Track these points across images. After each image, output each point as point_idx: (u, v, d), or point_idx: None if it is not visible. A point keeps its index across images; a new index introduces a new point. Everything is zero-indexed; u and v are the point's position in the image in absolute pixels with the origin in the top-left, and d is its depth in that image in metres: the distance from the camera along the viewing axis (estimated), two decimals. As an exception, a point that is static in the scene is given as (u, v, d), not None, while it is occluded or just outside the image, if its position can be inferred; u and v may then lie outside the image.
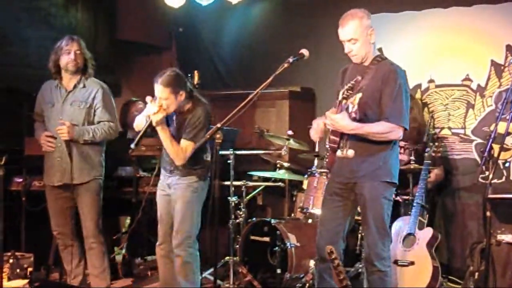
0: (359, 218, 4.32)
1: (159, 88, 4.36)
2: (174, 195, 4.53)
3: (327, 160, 4.20)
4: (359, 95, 3.83)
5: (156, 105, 4.31)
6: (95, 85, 4.99)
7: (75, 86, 4.93)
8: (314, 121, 4.17)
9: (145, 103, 4.41)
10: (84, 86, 4.94)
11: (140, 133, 4.37)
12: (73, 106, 4.91)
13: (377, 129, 3.90)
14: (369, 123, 3.91)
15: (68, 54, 4.88)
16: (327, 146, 4.10)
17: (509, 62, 5.31)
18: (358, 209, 4.17)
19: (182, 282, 4.49)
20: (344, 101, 3.82)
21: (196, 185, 4.53)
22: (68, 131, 4.77)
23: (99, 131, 4.90)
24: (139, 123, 4.52)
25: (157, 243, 4.69)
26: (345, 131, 3.89)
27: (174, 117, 4.55)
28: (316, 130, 4.10)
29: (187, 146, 4.44)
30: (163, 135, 4.39)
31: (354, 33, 3.96)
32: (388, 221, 4.04)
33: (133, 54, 7.63)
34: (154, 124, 4.33)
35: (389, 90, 3.92)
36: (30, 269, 5.24)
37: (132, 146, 4.35)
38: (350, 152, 3.89)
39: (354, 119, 3.83)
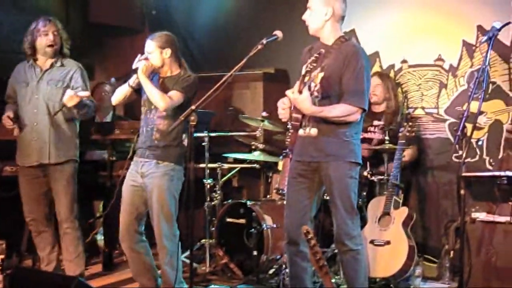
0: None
1: (147, 43, 4.51)
2: (151, 184, 4.44)
3: (288, 140, 4.15)
4: (321, 74, 3.76)
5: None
6: (73, 65, 4.99)
7: (51, 66, 4.91)
8: (279, 102, 4.06)
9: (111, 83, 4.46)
10: (62, 65, 4.93)
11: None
12: (49, 85, 4.88)
13: (336, 113, 3.88)
14: (329, 107, 3.87)
15: (46, 35, 4.84)
16: (289, 125, 4.04)
17: (480, 42, 5.33)
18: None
19: (169, 272, 4.46)
20: (307, 76, 3.73)
21: (172, 173, 4.47)
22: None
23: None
24: (118, 93, 4.55)
25: (120, 236, 4.53)
26: (304, 112, 3.84)
27: (158, 82, 4.53)
28: (284, 106, 4.00)
29: (174, 94, 4.42)
30: (146, 82, 4.39)
31: (312, 1, 3.98)
32: (356, 199, 4.01)
33: (106, 37, 7.54)
34: (139, 71, 4.38)
35: (351, 70, 3.90)
36: (2, 256, 5.17)
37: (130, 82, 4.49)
38: (313, 131, 3.79)
39: (316, 98, 3.80)
